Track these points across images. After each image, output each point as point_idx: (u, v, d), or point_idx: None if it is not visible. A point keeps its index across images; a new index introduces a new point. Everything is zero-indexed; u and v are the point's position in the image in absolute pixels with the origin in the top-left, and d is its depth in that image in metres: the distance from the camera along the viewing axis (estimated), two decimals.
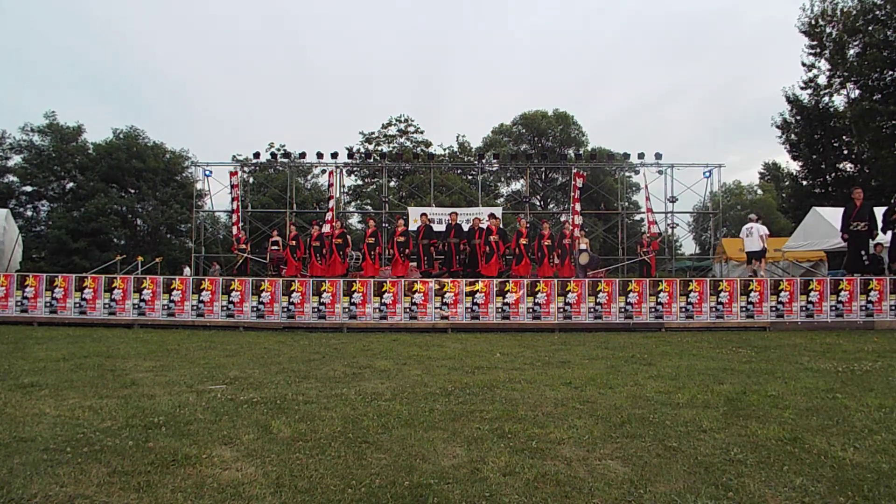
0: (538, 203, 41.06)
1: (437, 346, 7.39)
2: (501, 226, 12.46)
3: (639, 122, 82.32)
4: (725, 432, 3.34)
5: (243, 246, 14.97)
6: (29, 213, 29.32)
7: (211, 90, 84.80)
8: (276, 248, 14.39)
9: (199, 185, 21.91)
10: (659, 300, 9.48)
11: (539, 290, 9.51)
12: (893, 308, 9.39)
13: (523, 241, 11.79)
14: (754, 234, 11.20)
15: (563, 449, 3.05)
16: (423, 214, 12.77)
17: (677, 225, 20.49)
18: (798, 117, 26.19)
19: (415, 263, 12.45)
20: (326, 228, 15.62)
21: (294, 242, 12.87)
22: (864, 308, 9.39)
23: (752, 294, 9.45)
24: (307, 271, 12.53)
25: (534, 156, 26.91)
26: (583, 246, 12.23)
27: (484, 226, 11.85)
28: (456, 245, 12.06)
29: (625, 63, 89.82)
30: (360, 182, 37.56)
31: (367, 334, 9.02)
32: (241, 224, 18.64)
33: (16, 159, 29.03)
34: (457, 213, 13.37)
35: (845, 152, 25.51)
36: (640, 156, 19.09)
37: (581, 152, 30.73)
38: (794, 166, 29.36)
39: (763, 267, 11.38)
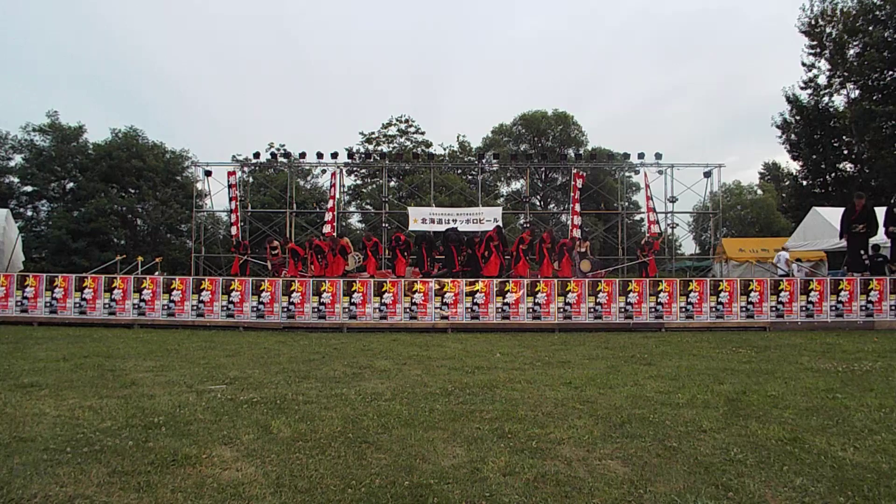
0: (538, 203, 41.06)
1: (437, 346, 7.39)
2: (502, 226, 12.47)
3: (639, 122, 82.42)
4: (725, 432, 3.33)
5: (243, 251, 14.99)
6: (29, 213, 29.33)
7: (211, 90, 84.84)
8: (275, 252, 14.40)
9: (199, 185, 21.90)
10: (659, 300, 9.47)
11: (539, 291, 9.50)
12: (893, 308, 9.39)
13: (523, 247, 11.79)
14: (781, 261, 14.93)
15: (563, 449, 3.05)
16: (424, 223, 12.82)
17: (677, 225, 20.48)
18: (798, 117, 26.22)
19: (416, 267, 12.45)
20: (327, 229, 15.63)
21: (294, 246, 12.92)
22: (864, 308, 9.39)
23: (752, 294, 9.45)
24: (307, 271, 12.54)
25: (534, 156, 26.92)
26: (582, 249, 12.22)
27: (486, 228, 11.85)
28: (457, 248, 12.07)
29: (625, 63, 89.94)
30: (360, 182, 37.56)
31: (367, 334, 9.02)
32: (240, 224, 18.63)
33: (17, 159, 29.06)
34: (455, 222, 13.38)
35: (845, 152, 25.54)
36: (640, 156, 19.07)
37: (581, 152, 30.74)
38: (794, 166, 29.47)
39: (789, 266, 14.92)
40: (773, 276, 12.81)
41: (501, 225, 13.09)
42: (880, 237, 10.48)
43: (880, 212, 10.49)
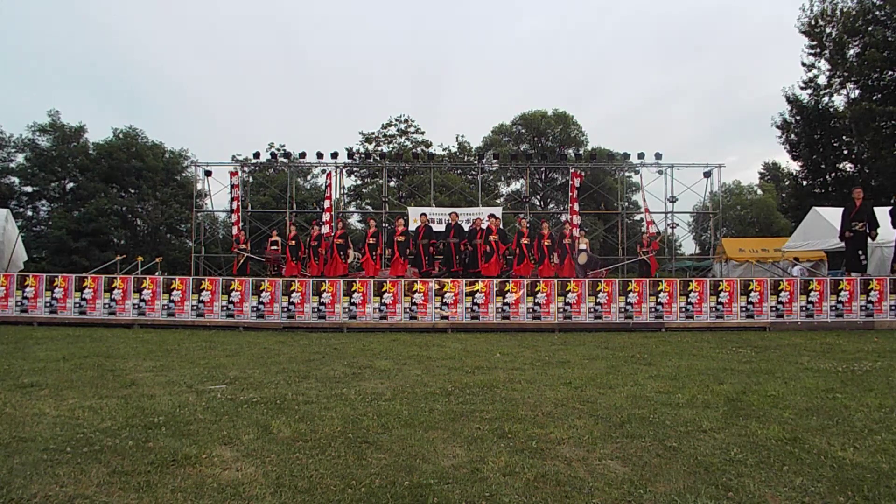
0: (538, 203, 41.07)
1: (437, 346, 7.39)
2: (501, 226, 12.45)
3: (639, 122, 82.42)
4: (725, 432, 3.34)
5: (243, 246, 14.95)
6: (29, 213, 29.33)
7: (211, 90, 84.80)
8: (275, 248, 14.38)
9: (199, 185, 21.89)
10: (659, 300, 9.47)
11: (539, 290, 9.50)
12: (893, 308, 9.39)
13: (524, 240, 11.78)
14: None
15: (563, 449, 3.05)
16: (423, 215, 12.76)
17: (677, 225, 20.46)
18: (798, 117, 26.20)
19: (415, 268, 12.46)
20: (326, 229, 15.62)
21: (294, 242, 12.87)
22: (864, 308, 9.39)
23: (752, 294, 9.45)
24: (306, 271, 12.53)
25: (534, 156, 26.88)
26: (582, 246, 12.21)
27: (484, 226, 11.84)
28: (456, 245, 12.05)
29: (625, 63, 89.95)
30: (359, 182, 37.56)
31: (367, 334, 9.02)
32: (241, 224, 18.62)
33: (18, 159, 29.07)
34: (457, 214, 13.35)
35: (845, 152, 25.51)
36: (640, 156, 19.05)
37: (581, 152, 30.72)
38: (794, 166, 29.42)
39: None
40: (773, 275, 12.80)
41: (496, 216, 13.04)
42: (884, 237, 10.40)
43: (881, 211, 10.47)
